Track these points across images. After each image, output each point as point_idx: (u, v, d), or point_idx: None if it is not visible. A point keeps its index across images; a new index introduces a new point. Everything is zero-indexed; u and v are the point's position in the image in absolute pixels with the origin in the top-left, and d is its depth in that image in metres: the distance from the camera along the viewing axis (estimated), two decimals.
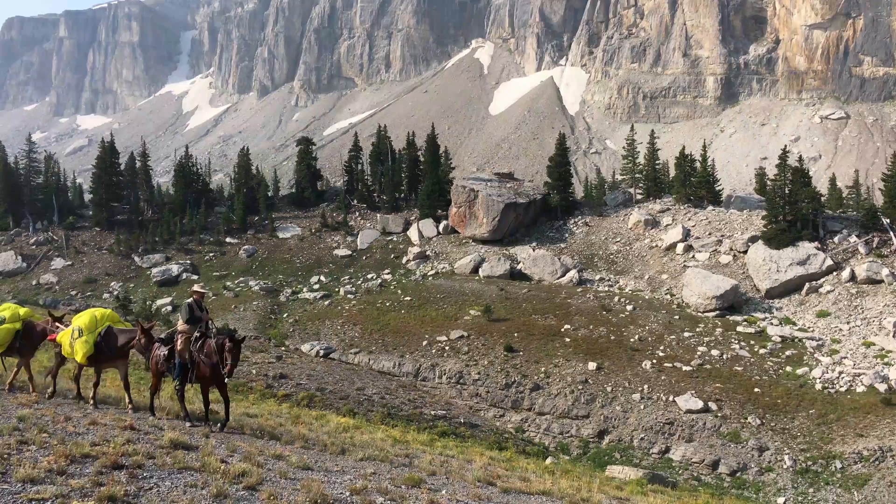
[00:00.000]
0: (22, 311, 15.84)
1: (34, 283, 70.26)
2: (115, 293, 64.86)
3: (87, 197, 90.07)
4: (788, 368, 44.16)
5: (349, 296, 62.66)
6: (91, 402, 14.49)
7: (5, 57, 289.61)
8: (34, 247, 77.04)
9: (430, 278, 65.34)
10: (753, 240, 60.43)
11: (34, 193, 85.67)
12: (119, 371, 15.13)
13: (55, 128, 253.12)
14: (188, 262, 72.95)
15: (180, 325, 13.81)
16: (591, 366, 44.59)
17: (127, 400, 14.69)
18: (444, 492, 10.41)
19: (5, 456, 8.67)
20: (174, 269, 70.88)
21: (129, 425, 11.91)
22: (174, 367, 13.65)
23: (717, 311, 52.62)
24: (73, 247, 76.81)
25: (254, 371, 34.44)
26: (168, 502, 7.72)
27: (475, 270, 65.71)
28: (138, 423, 12.48)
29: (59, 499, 7.37)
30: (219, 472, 9.21)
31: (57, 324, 15.50)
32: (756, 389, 41.22)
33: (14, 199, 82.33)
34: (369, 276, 67.74)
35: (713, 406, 39.46)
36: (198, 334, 13.48)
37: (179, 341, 13.54)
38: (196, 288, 14.68)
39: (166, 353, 13.75)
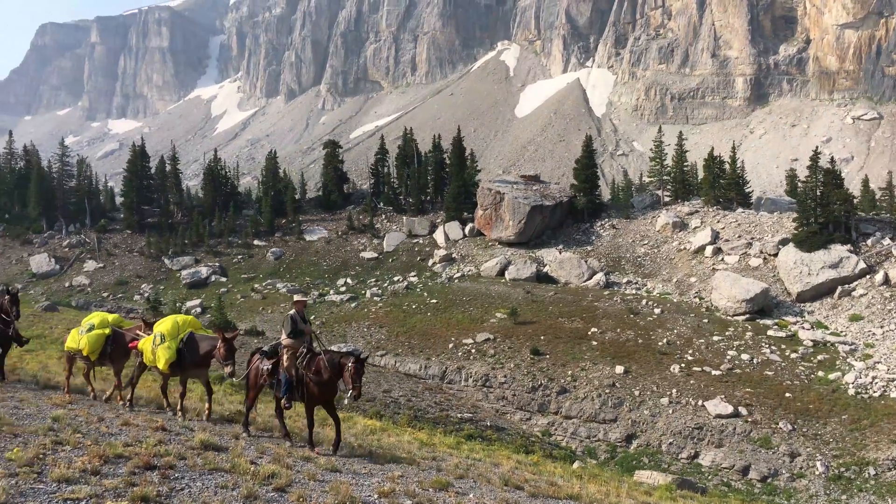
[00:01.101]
0: (111, 317, 15.65)
1: (67, 284, 71.43)
2: (146, 295, 65.73)
3: (119, 200, 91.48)
4: (820, 373, 43.48)
5: (375, 298, 62.87)
6: (179, 413, 14.12)
7: (39, 62, 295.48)
8: (67, 249, 78.35)
9: (455, 281, 65.35)
10: (784, 242, 59.63)
11: (67, 197, 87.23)
12: (200, 380, 14.60)
13: (87, 132, 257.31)
14: (217, 264, 73.74)
15: (285, 340, 12.84)
16: (619, 369, 44.28)
17: (206, 411, 14.20)
18: (471, 495, 10.40)
19: (41, 456, 8.81)
20: (203, 271, 71.68)
21: (161, 426, 12.06)
22: (277, 382, 12.82)
23: (747, 315, 51.99)
24: (104, 249, 78.01)
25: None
26: (199, 503, 7.81)
27: (501, 273, 65.60)
28: (169, 424, 12.63)
29: (93, 499, 7.48)
30: (249, 473, 9.29)
31: (138, 331, 15.15)
32: (787, 394, 40.66)
33: (48, 202, 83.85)
34: (395, 278, 67.92)
35: (743, 411, 38.98)
36: (304, 349, 12.63)
37: (285, 357, 12.63)
38: (298, 298, 13.70)
39: (269, 367, 12.88)
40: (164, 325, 14.08)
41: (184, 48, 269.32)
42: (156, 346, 13.81)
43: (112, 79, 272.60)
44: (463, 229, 75.42)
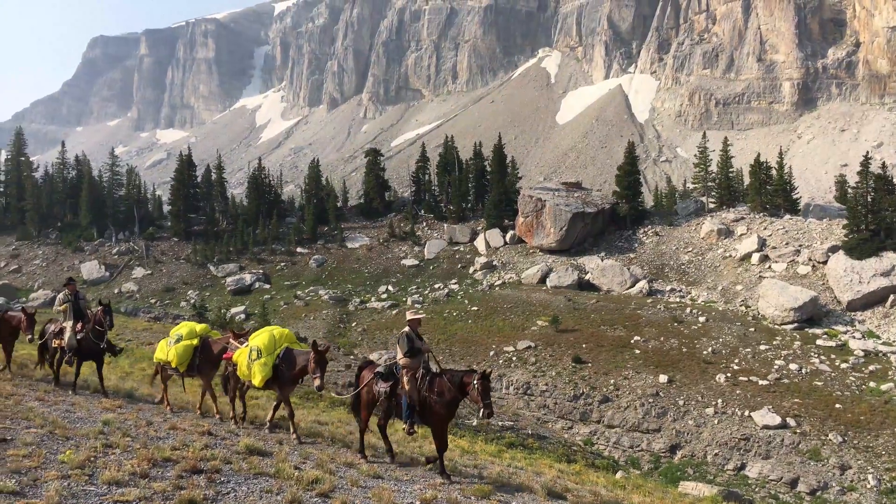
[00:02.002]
0: (199, 327, 15.24)
1: (116, 291, 73.11)
2: (192, 301, 66.92)
3: (166, 208, 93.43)
4: (872, 384, 42.26)
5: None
6: (294, 436, 13.25)
7: (90, 75, 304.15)
8: (116, 256, 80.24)
9: (496, 288, 65.20)
10: (834, 250, 58.25)
11: (117, 205, 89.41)
12: (282, 396, 13.77)
13: (136, 142, 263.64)
14: (260, 271, 74.76)
15: (402, 360, 11.99)
16: (662, 378, 43.66)
17: (292, 430, 13.32)
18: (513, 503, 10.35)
19: (92, 459, 9.02)
20: (247, 278, 72.73)
21: (207, 430, 12.26)
22: (396, 405, 12.01)
23: (796, 324, 50.86)
24: (152, 256, 79.70)
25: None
26: None
27: (542, 280, 65.27)
28: (215, 428, 12.83)
29: (142, 501, 7.63)
30: (293, 478, 9.38)
31: (232, 340, 14.53)
32: (837, 405, 39.61)
33: (98, 211, 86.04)
34: (436, 285, 68.03)
35: (791, 422, 38.08)
36: (423, 370, 11.78)
37: (405, 378, 11.78)
38: (411, 315, 12.61)
39: (387, 389, 12.01)
40: (260, 339, 13.36)
41: (229, 59, 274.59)
42: (251, 361, 13.16)
43: (160, 90, 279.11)
44: (504, 236, 75.26)
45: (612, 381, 44.26)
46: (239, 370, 13.63)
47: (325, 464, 10.78)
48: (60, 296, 16.59)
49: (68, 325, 16.00)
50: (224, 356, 14.23)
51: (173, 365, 14.74)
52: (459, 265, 72.76)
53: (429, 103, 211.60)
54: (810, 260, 59.47)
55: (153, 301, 70.20)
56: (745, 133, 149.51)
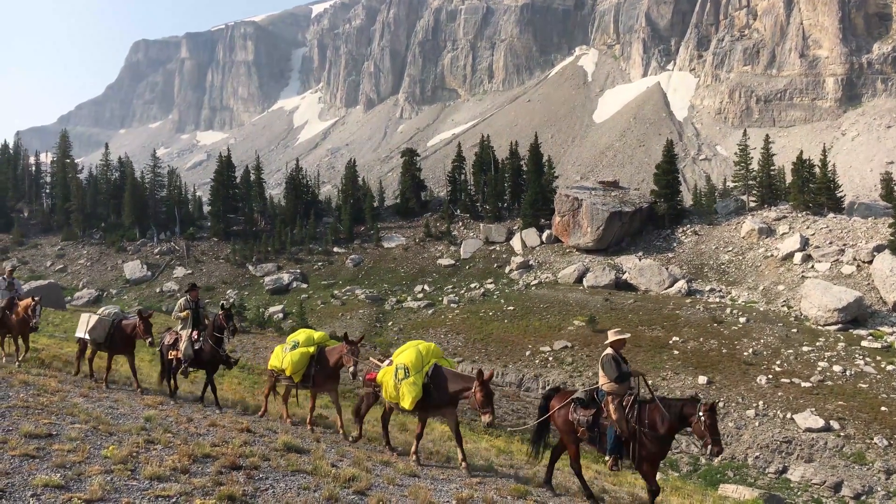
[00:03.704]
0: (316, 335, 14.18)
1: (157, 290, 74.46)
2: (231, 300, 67.86)
3: (206, 209, 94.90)
4: None
5: (452, 305, 63.08)
6: (463, 464, 11.77)
7: (132, 78, 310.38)
8: (158, 256, 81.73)
9: (533, 288, 64.93)
10: (879, 249, 56.85)
11: (158, 206, 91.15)
12: (449, 422, 12.33)
13: (177, 144, 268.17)
14: (298, 270, 75.51)
15: (606, 385, 10.72)
16: (702, 379, 43.04)
17: (460, 457, 11.85)
18: None
19: (134, 454, 9.17)
20: (285, 277, 73.52)
21: (246, 428, 12.39)
22: (599, 436, 10.72)
23: (840, 325, 49.74)
24: (192, 256, 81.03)
25: (360, 378, 35.09)
26: (283, 503, 7.98)
27: (579, 280, 64.83)
28: (253, 425, 12.97)
29: (182, 496, 7.74)
30: (329, 475, 9.43)
31: (371, 359, 13.57)
32: (883, 408, 38.63)
33: (140, 211, 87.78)
34: (472, 285, 67.99)
35: (835, 425, 37.24)
36: (630, 397, 10.55)
37: (612, 407, 10.49)
38: (614, 336, 11.05)
39: (590, 418, 10.75)
40: (406, 356, 12.03)
41: (267, 61, 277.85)
42: (399, 381, 11.79)
43: (200, 92, 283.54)
44: (540, 236, 74.92)
45: (650, 382, 43.72)
46: (385, 392, 12.24)
47: (362, 462, 10.83)
48: (181, 301, 15.96)
49: (185, 333, 15.43)
50: (367, 377, 12.95)
51: (287, 374, 13.86)
52: (495, 265, 72.61)
53: (465, 103, 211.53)
54: (855, 259, 58.12)
55: None
56: (787, 130, 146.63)
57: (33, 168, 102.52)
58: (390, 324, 60.75)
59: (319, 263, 77.68)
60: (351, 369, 12.60)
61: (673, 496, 14.61)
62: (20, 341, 17.79)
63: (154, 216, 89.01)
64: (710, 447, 9.73)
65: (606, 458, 10.68)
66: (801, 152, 79.95)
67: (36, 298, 17.44)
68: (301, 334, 14.20)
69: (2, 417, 10.43)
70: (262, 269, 76.50)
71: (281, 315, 63.13)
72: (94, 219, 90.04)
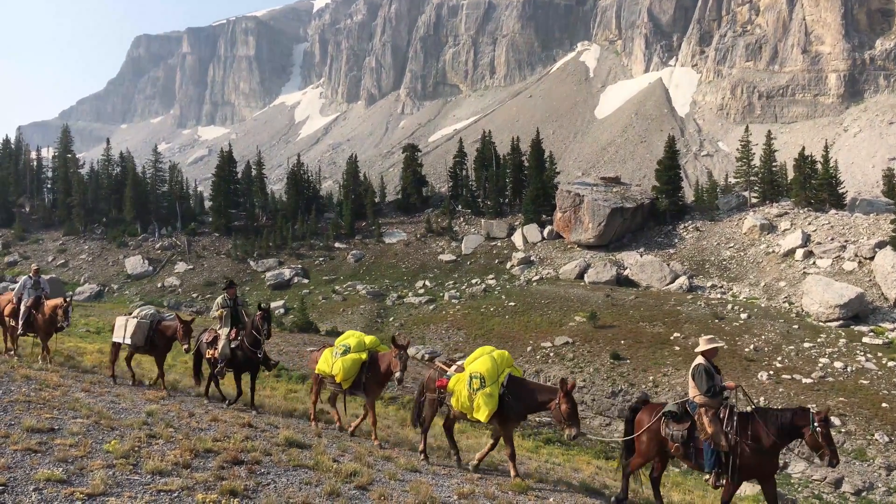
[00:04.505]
0: (367, 339, 13.44)
1: (159, 285, 74.49)
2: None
3: (207, 204, 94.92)
4: None
5: (453, 301, 63.11)
6: (516, 479, 10.94)
7: (134, 73, 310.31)
8: (159, 251, 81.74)
9: (534, 284, 64.93)
10: (881, 245, 56.82)
11: (160, 201, 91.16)
12: (504, 433, 11.47)
13: (178, 139, 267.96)
14: (299, 266, 75.54)
15: (698, 397, 10.10)
16: None
17: (513, 474, 11.08)
18: (551, 500, 10.30)
19: (136, 449, 9.20)
20: (286, 273, 73.55)
21: (248, 423, 12.43)
22: (695, 452, 10.09)
23: (841, 321, 49.75)
24: (194, 251, 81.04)
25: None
26: (285, 498, 7.99)
27: (580, 276, 64.82)
28: (255, 420, 12.99)
29: (184, 491, 7.76)
30: (331, 470, 9.46)
31: (439, 364, 12.58)
32: (884, 404, 38.65)
33: (142, 206, 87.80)
34: (473, 281, 68.00)
35: (836, 421, 37.24)
36: (726, 410, 9.96)
37: (706, 421, 9.90)
38: (706, 345, 10.46)
39: (685, 433, 10.10)
40: (482, 364, 11.23)
41: (269, 56, 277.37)
42: (473, 392, 11.01)
43: (202, 87, 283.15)
44: (541, 232, 74.90)
45: (650, 378, 43.80)
46: (456, 401, 11.38)
47: (363, 457, 10.85)
48: (219, 300, 15.45)
49: (223, 332, 14.95)
50: (438, 384, 11.92)
51: (337, 380, 13.13)
52: (497, 260, 72.61)
53: (466, 98, 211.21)
54: (857, 256, 58.09)
55: (195, 295, 71.36)
56: (789, 126, 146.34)
57: (35, 163, 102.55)
58: (391, 319, 60.79)
59: (321, 259, 77.68)
60: (397, 375, 12.02)
61: (674, 492, 14.62)
62: (45, 341, 17.51)
63: (155, 211, 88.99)
64: (827, 458, 9.25)
65: (706, 476, 10.13)
66: (803, 148, 79.84)
67: (67, 299, 17.13)
68: (352, 338, 13.43)
69: (4, 412, 10.46)
70: (264, 265, 76.52)
71: (282, 310, 63.19)
72: (95, 214, 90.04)
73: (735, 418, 9.79)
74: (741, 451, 9.55)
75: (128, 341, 15.86)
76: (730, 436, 9.66)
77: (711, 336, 10.79)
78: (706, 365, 10.15)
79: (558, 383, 10.60)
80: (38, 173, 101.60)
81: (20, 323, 17.36)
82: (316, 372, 13.87)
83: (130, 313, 16.51)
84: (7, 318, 18.12)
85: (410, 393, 33.37)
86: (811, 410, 9.44)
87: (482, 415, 10.87)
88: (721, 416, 9.87)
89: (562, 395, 10.38)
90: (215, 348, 15.00)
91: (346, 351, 13.05)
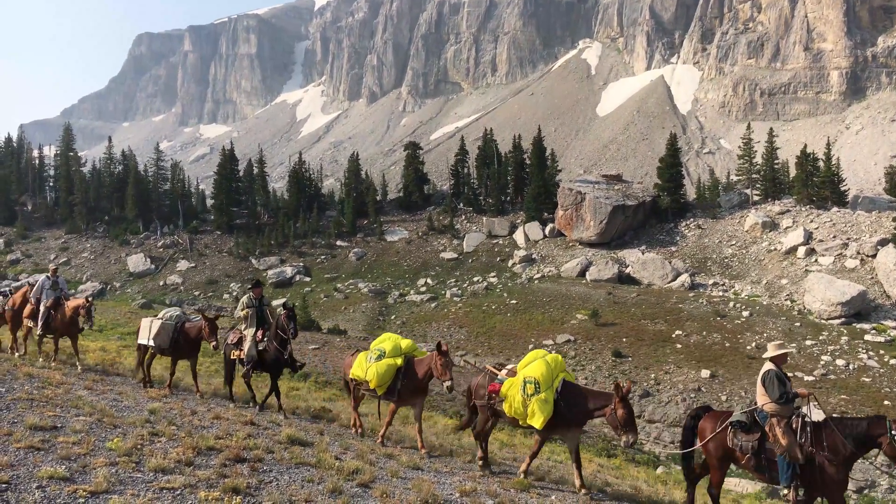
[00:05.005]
0: (404, 343, 12.85)
1: (161, 283, 74.57)
2: (234, 294, 67.96)
3: (209, 202, 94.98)
4: None
5: (455, 298, 63.12)
6: (582, 490, 10.68)
7: (136, 71, 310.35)
8: (161, 249, 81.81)
9: (535, 281, 64.93)
10: (883, 243, 56.75)
11: (162, 199, 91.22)
12: (569, 444, 11.16)
13: (180, 137, 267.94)
14: (301, 264, 75.59)
15: (768, 405, 9.64)
16: (705, 373, 43.06)
17: (578, 483, 10.77)
18: (553, 497, 10.31)
19: (139, 446, 9.21)
20: (288, 271, 73.61)
21: (250, 420, 12.45)
22: (768, 464, 9.55)
23: (843, 319, 49.71)
24: (196, 250, 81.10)
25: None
26: (287, 496, 8.00)
27: (582, 274, 64.82)
28: (257, 418, 13.01)
29: (187, 488, 7.77)
30: (333, 468, 9.47)
31: (490, 368, 12.00)
32: (886, 402, 38.64)
33: (144, 204, 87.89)
34: (475, 278, 68.01)
35: None
36: (798, 418, 9.47)
37: (779, 431, 9.39)
38: (775, 350, 10.04)
39: (755, 444, 9.59)
40: (536, 369, 10.82)
41: (271, 54, 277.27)
42: (528, 397, 10.59)
43: (203, 85, 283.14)
44: (543, 230, 74.88)
45: (652, 376, 43.81)
46: (508, 407, 10.93)
47: (366, 454, 10.86)
48: (244, 299, 15.02)
49: (249, 333, 14.54)
50: (490, 388, 11.39)
51: (372, 386, 12.56)
52: (498, 258, 72.60)
53: (468, 96, 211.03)
54: (859, 253, 58.03)
55: (197, 293, 71.43)
56: (790, 124, 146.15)
57: (37, 161, 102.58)
58: (393, 317, 60.82)
59: (322, 257, 77.72)
60: (447, 383, 11.36)
61: (675, 489, 14.62)
62: (65, 343, 17.34)
63: (157, 209, 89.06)
64: None
65: (783, 490, 9.43)
66: (805, 146, 79.77)
67: (89, 299, 16.84)
68: (387, 342, 12.84)
69: (7, 410, 10.48)
70: (266, 263, 76.57)
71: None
72: (97, 212, 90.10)
73: (809, 428, 9.28)
74: (821, 463, 9.00)
75: (152, 343, 15.54)
76: (805, 447, 9.13)
77: (780, 342, 10.48)
78: (777, 371, 9.75)
79: (612, 388, 10.24)
80: (41, 171, 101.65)
81: (39, 324, 16.99)
82: (350, 377, 13.33)
83: (157, 315, 16.19)
84: (25, 320, 17.76)
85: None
86: (887, 418, 9.00)
87: (537, 421, 10.50)
88: (794, 426, 9.38)
89: (617, 401, 9.95)
90: (240, 349, 14.66)
91: (381, 356, 12.53)
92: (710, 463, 10.25)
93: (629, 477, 15.79)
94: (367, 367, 12.67)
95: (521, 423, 10.95)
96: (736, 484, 22.48)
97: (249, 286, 15.14)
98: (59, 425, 9.87)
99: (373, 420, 15.74)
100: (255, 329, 14.49)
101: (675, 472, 18.12)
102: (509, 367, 11.62)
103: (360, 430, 13.58)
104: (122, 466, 8.27)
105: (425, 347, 48.43)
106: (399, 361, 12.39)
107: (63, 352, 19.27)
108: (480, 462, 11.64)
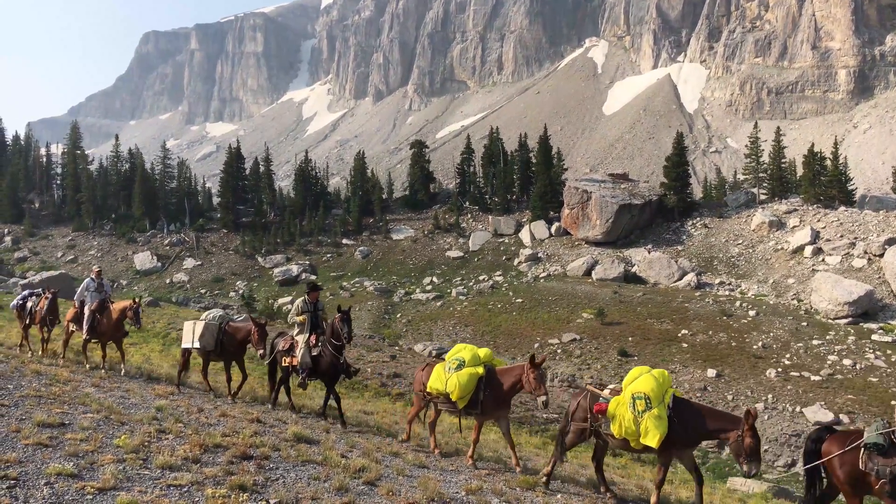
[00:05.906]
0: (482, 352, 11.96)
1: (168, 281, 74.78)
2: (241, 292, 68.09)
3: (216, 200, 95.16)
4: None
5: (461, 297, 63.13)
6: (655, 497, 10.09)
7: (142, 69, 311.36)
8: (168, 247, 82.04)
9: (541, 280, 64.89)
10: (891, 242, 56.53)
11: (168, 197, 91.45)
12: (685, 463, 10.26)
13: (187, 135, 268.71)
14: (307, 262, 75.70)
15: None
16: (711, 373, 42.96)
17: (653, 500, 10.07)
18: (559, 496, 10.31)
19: (146, 443, 9.24)
20: (294, 269, 73.70)
21: (256, 418, 12.47)
22: (893, 489, 8.68)
23: (850, 318, 49.54)
24: (202, 248, 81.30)
25: (368, 370, 35.26)
26: (293, 493, 8.02)
27: (588, 273, 64.75)
28: (264, 416, 13.03)
29: (194, 485, 7.80)
30: (339, 466, 9.48)
31: (590, 387, 11.09)
32: (893, 402, 38.36)
33: (150, 202, 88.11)
34: (481, 277, 68.01)
35: (845, 419, 37.12)
36: None
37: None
38: None
39: (894, 470, 8.62)
40: (644, 384, 9.96)
41: (277, 53, 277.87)
42: (639, 414, 9.72)
43: (210, 84, 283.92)
44: (549, 228, 74.81)
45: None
46: (618, 427, 10.02)
47: (372, 452, 10.88)
48: (299, 302, 14.33)
49: (301, 338, 13.89)
50: (595, 409, 10.42)
51: (454, 398, 11.54)
52: (504, 257, 72.58)
53: (474, 95, 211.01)
54: (866, 253, 57.82)
55: (203, 291, 71.61)
56: (798, 123, 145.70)
57: (44, 159, 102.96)
58: (399, 315, 60.86)
59: (328, 255, 77.82)
60: (542, 399, 10.60)
61: (681, 489, 14.60)
62: (111, 348, 16.81)
63: (164, 207, 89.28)
64: None
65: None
66: (813, 145, 79.54)
67: (137, 300, 16.08)
68: (466, 351, 11.96)
69: (15, 407, 10.53)
70: (272, 261, 76.71)
71: (289, 306, 63.25)
72: (104, 210, 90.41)
73: None
74: None
75: (196, 345, 14.89)
76: None
77: None
78: None
79: (743, 414, 9.34)
80: (48, 169, 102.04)
81: (85, 329, 16.28)
82: (428, 390, 12.19)
83: (200, 317, 15.66)
84: (68, 324, 17.14)
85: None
86: None
87: (653, 440, 9.58)
88: None
89: (747, 428, 9.08)
90: (292, 356, 13.92)
91: (461, 365, 11.62)
92: (842, 490, 9.20)
93: (635, 476, 15.76)
94: (446, 378, 11.72)
95: (632, 444, 10.01)
96: (742, 484, 22.40)
97: (306, 290, 14.46)
98: (66, 422, 9.92)
99: (379, 418, 15.75)
100: (308, 335, 13.86)
101: (680, 471, 18.02)
102: (612, 386, 10.97)
103: (438, 452, 12.41)
104: (129, 463, 8.30)
105: (430, 347, 48.47)
106: (480, 371, 11.55)
107: (70, 349, 19.23)
108: (607, 494, 10.75)
